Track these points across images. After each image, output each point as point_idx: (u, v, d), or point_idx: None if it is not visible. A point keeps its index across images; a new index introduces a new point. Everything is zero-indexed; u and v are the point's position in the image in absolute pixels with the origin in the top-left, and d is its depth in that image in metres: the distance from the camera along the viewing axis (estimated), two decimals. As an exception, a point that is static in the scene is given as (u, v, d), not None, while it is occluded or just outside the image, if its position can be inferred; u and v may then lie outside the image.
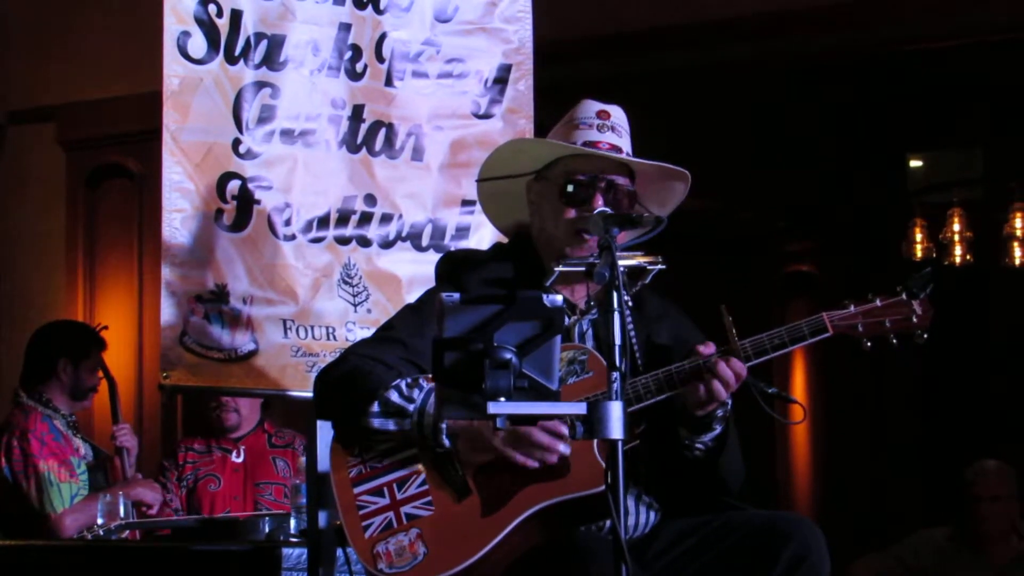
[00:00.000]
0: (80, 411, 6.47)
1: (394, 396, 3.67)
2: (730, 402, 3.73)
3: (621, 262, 3.44)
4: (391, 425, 3.67)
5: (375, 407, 3.67)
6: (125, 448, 6.33)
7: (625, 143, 3.92)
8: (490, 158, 4.00)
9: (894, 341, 3.78)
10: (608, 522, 3.66)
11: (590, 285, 3.85)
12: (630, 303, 3.81)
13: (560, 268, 3.74)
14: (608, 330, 3.26)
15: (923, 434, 11.65)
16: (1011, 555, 7.05)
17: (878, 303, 3.77)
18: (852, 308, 3.77)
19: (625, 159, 3.88)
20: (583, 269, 3.62)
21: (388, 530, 3.67)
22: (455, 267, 3.99)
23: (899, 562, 7.14)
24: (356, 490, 3.72)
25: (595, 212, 3.67)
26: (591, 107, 3.94)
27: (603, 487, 3.49)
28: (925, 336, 3.78)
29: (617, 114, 3.95)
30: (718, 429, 3.76)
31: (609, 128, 3.90)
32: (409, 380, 3.70)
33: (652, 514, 3.85)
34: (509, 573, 3.63)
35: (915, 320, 3.77)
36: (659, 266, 3.63)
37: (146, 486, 6.18)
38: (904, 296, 3.78)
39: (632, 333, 3.84)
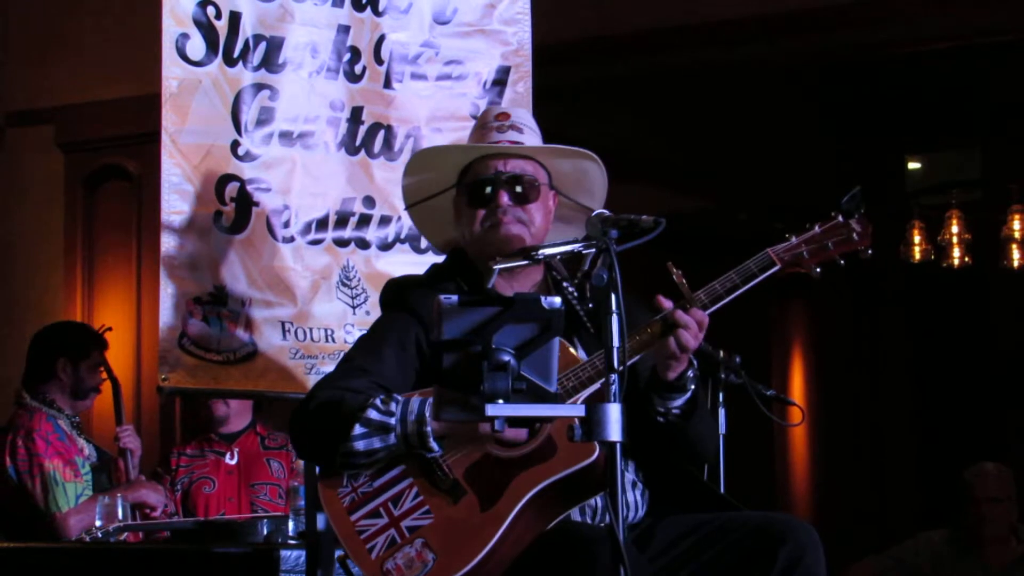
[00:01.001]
0: (82, 411, 6.47)
1: (373, 414, 3.68)
2: (696, 363, 3.76)
3: (552, 250, 3.60)
4: (377, 443, 3.68)
5: (357, 430, 3.68)
6: (128, 449, 6.33)
7: (528, 139, 4.00)
8: (406, 180, 4.11)
9: (841, 263, 3.85)
10: (601, 507, 3.70)
11: (529, 277, 3.95)
12: (575, 293, 3.90)
13: (498, 267, 3.81)
14: (606, 332, 3.28)
15: (921, 436, 11.66)
16: (1010, 557, 7.05)
17: (817, 229, 3.87)
18: (794, 239, 3.86)
19: (521, 148, 3.96)
20: (523, 263, 3.74)
21: (393, 546, 3.68)
22: (399, 291, 4.08)
23: (898, 564, 7.14)
24: (353, 517, 3.72)
25: (593, 214, 3.67)
26: (491, 112, 4.10)
27: (592, 458, 3.52)
28: (870, 252, 3.85)
29: (518, 114, 4.07)
30: (691, 390, 3.80)
31: (509, 127, 4.00)
32: (383, 396, 3.72)
33: (638, 494, 3.87)
34: (518, 568, 3.64)
35: (856, 237, 3.88)
36: (593, 250, 3.64)
37: (149, 487, 6.19)
38: (840, 219, 3.86)
39: (586, 321, 3.92)
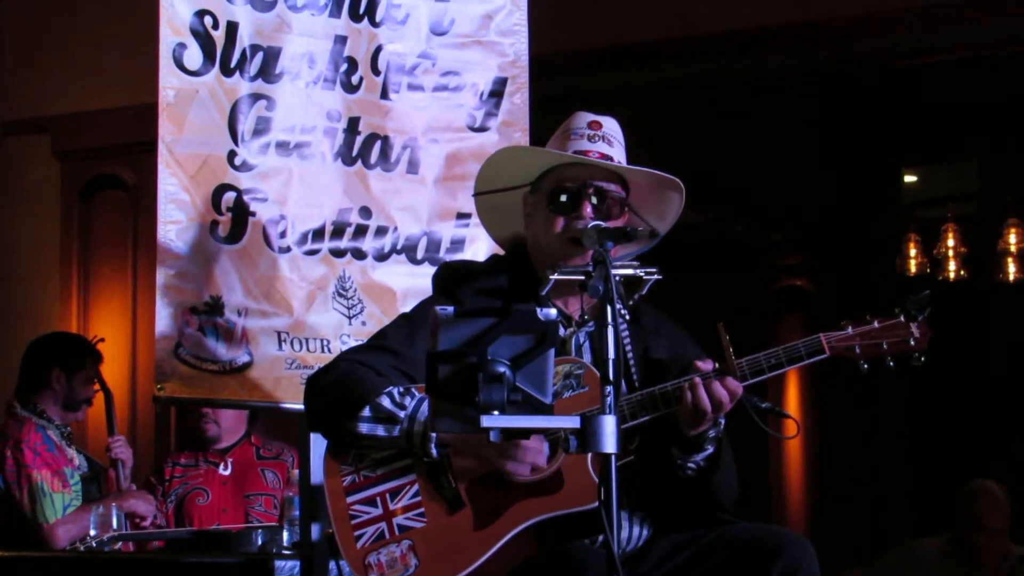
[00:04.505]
0: (73, 422, 6.45)
1: (386, 402, 3.67)
2: (723, 422, 3.72)
3: (617, 272, 3.44)
4: (380, 431, 3.67)
5: (366, 412, 3.67)
6: (120, 460, 6.31)
7: (617, 153, 3.91)
8: (483, 169, 4.01)
9: (891, 363, 3.77)
10: (601, 536, 3.67)
11: (584, 297, 3.84)
12: (627, 316, 3.82)
13: (555, 276, 3.70)
14: (603, 344, 3.26)
15: (916, 448, 11.65)
16: (1006, 569, 7.03)
17: (876, 325, 3.75)
18: (850, 330, 3.75)
19: (613, 166, 3.88)
20: (580, 278, 3.62)
21: (380, 541, 3.67)
22: (451, 278, 3.99)
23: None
24: (349, 499, 3.72)
25: (589, 225, 3.66)
26: (583, 118, 3.95)
27: (596, 504, 3.49)
28: (923, 359, 3.77)
29: (610, 124, 3.95)
30: (710, 449, 3.75)
31: (600, 138, 3.90)
32: (402, 388, 3.70)
33: (645, 528, 3.84)
34: (505, 583, 3.63)
35: (913, 343, 3.76)
36: (655, 276, 3.61)
37: (140, 497, 6.17)
38: (902, 318, 3.76)
39: (628, 346, 3.81)
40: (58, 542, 5.94)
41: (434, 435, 3.63)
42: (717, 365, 3.67)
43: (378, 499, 3.71)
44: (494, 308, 3.03)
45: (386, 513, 3.69)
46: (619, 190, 3.88)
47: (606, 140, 3.91)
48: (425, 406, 3.64)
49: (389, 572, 3.64)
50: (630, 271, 3.60)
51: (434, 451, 3.65)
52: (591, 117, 3.95)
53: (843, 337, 3.74)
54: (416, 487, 3.71)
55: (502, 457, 3.60)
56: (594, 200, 3.83)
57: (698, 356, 3.74)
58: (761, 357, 3.70)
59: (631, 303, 3.77)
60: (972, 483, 7.14)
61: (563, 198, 3.85)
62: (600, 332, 3.29)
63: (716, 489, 3.81)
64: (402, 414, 3.66)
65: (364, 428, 3.68)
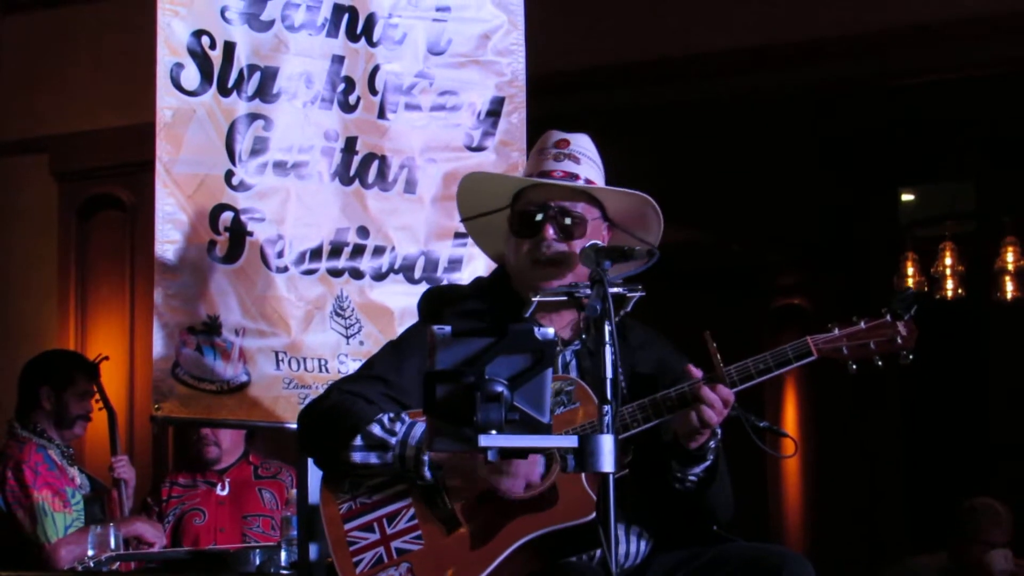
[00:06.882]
0: (73, 440, 6.43)
1: (376, 430, 3.68)
2: (720, 432, 3.72)
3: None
4: (373, 459, 3.67)
5: (358, 441, 3.68)
6: (123, 480, 6.30)
7: (585, 170, 3.89)
8: (458, 195, 4.02)
9: (879, 363, 3.78)
10: (599, 552, 3.67)
11: (579, 316, 3.85)
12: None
13: (537, 299, 3.73)
14: (599, 363, 3.26)
15: (914, 466, 11.65)
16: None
17: (862, 325, 3.77)
18: (837, 331, 3.76)
19: (576, 185, 3.86)
20: (562, 299, 3.63)
21: (379, 565, 3.67)
22: (435, 303, 4.00)
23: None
24: (347, 526, 3.72)
25: (587, 244, 3.66)
26: (552, 137, 3.94)
27: (591, 517, 3.50)
28: (910, 357, 3.78)
29: (579, 142, 3.93)
30: (710, 460, 3.75)
31: (566, 156, 3.88)
32: (391, 415, 3.70)
33: (643, 543, 3.84)
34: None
35: (900, 341, 3.77)
36: (639, 293, 3.62)
37: (146, 522, 6.15)
38: (889, 318, 3.78)
39: (618, 363, 3.81)
40: (60, 562, 5.91)
41: (426, 458, 3.63)
42: (705, 376, 3.68)
43: (375, 524, 3.71)
44: (490, 328, 3.03)
45: (384, 537, 3.70)
46: (586, 208, 3.86)
47: (572, 158, 3.88)
48: (415, 430, 3.66)
49: None
50: (614, 290, 3.60)
51: (427, 473, 3.66)
52: (560, 135, 3.93)
53: (830, 339, 3.76)
54: (412, 510, 3.71)
55: (495, 475, 3.61)
56: (562, 221, 3.82)
57: (684, 368, 3.73)
58: (750, 363, 3.71)
59: (617, 319, 3.77)
60: (973, 500, 7.12)
61: (524, 220, 3.85)
62: (597, 351, 3.29)
63: (713, 501, 3.81)
64: (393, 440, 3.66)
65: (358, 457, 3.69)
